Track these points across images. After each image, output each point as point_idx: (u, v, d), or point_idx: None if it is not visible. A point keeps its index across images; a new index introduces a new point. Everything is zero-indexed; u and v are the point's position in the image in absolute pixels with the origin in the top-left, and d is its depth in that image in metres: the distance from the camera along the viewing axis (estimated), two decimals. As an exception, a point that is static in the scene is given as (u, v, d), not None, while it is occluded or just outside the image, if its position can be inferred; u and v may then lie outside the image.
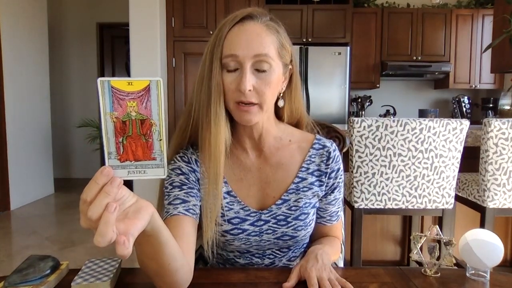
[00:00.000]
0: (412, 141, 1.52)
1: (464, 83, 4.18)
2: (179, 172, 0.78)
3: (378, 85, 4.16)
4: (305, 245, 0.90)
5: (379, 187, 1.58)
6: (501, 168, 1.55)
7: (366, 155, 1.56)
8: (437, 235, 0.76)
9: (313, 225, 0.85)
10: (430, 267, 0.74)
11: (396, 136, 1.52)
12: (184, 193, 0.75)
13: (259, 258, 0.85)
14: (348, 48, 3.70)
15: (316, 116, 3.58)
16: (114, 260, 0.75)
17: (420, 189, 1.58)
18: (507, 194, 1.57)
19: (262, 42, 0.71)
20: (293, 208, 0.82)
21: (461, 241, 0.73)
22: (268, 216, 0.81)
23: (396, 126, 1.51)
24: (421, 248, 0.78)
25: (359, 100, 4.27)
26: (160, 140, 0.46)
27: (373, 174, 1.57)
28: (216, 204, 0.75)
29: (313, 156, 0.84)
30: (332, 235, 0.91)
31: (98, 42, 5.18)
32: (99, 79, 0.44)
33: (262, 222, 0.81)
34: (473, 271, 0.72)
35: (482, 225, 1.62)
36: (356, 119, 1.53)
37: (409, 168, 1.55)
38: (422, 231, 2.10)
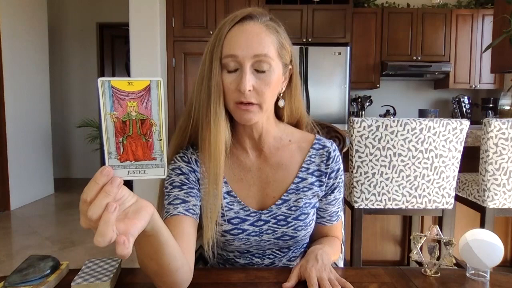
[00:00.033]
0: (412, 141, 1.52)
1: (464, 83, 4.18)
2: (179, 172, 0.78)
3: (378, 85, 4.16)
4: (305, 245, 0.90)
5: (379, 187, 1.58)
6: (501, 168, 1.55)
7: (366, 155, 1.56)
8: (437, 235, 0.76)
9: (313, 225, 0.85)
10: (430, 267, 0.74)
11: (396, 136, 1.52)
12: (184, 193, 0.75)
13: (259, 258, 0.85)
14: (348, 48, 3.70)
15: (316, 116, 3.59)
16: (114, 260, 0.75)
17: (420, 189, 1.58)
18: (507, 194, 1.57)
19: (262, 42, 0.71)
20: (293, 208, 0.82)
21: (461, 241, 0.73)
22: (268, 216, 0.81)
23: (396, 126, 1.51)
24: (421, 248, 0.78)
25: (359, 100, 4.27)
26: (160, 140, 0.46)
27: (373, 174, 1.57)
28: (216, 204, 0.75)
29: (313, 156, 0.84)
30: (332, 235, 0.91)
31: (98, 42, 5.18)
32: (100, 79, 0.44)
33: (262, 222, 0.81)
34: (473, 271, 0.72)
35: (482, 225, 1.62)
36: (356, 119, 1.53)
37: (409, 168, 1.55)
38: (422, 231, 2.10)
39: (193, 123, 0.76)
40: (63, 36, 5.11)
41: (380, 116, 4.25)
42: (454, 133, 1.52)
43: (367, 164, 1.56)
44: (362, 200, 1.60)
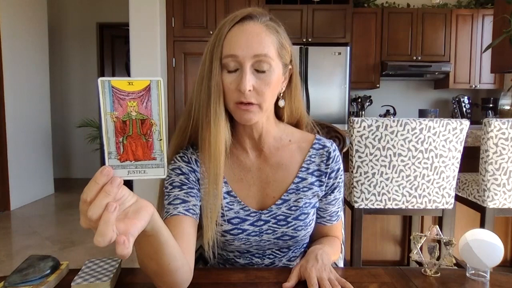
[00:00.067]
0: (412, 141, 1.52)
1: (464, 83, 4.18)
2: (179, 172, 0.78)
3: (378, 85, 4.16)
4: (305, 245, 0.90)
5: (379, 187, 1.58)
6: (501, 168, 1.55)
7: (366, 155, 1.56)
8: (437, 235, 0.76)
9: (313, 225, 0.85)
10: (430, 267, 0.74)
11: (396, 136, 1.52)
12: (184, 193, 0.75)
13: (259, 258, 0.85)
14: (348, 48, 3.70)
15: (316, 116, 3.59)
16: (114, 260, 0.75)
17: (420, 189, 1.58)
18: (507, 194, 1.57)
19: (262, 42, 0.71)
20: (293, 208, 0.82)
21: (461, 241, 0.73)
22: (268, 216, 0.81)
23: (396, 126, 1.51)
24: (421, 248, 0.78)
25: (359, 100, 4.27)
26: (160, 140, 0.46)
27: (373, 174, 1.57)
28: (216, 204, 0.75)
29: (313, 156, 0.84)
30: (332, 235, 0.91)
31: (98, 42, 5.18)
32: (100, 79, 0.44)
33: (262, 222, 0.81)
34: (473, 271, 0.72)
35: (482, 225, 1.62)
36: (356, 119, 1.53)
37: (409, 168, 1.55)
38: (422, 231, 2.10)
39: (193, 123, 0.76)
40: (63, 36, 5.11)
41: (380, 116, 4.25)
42: (454, 133, 1.52)
43: (367, 164, 1.56)
44: (362, 200, 1.61)
